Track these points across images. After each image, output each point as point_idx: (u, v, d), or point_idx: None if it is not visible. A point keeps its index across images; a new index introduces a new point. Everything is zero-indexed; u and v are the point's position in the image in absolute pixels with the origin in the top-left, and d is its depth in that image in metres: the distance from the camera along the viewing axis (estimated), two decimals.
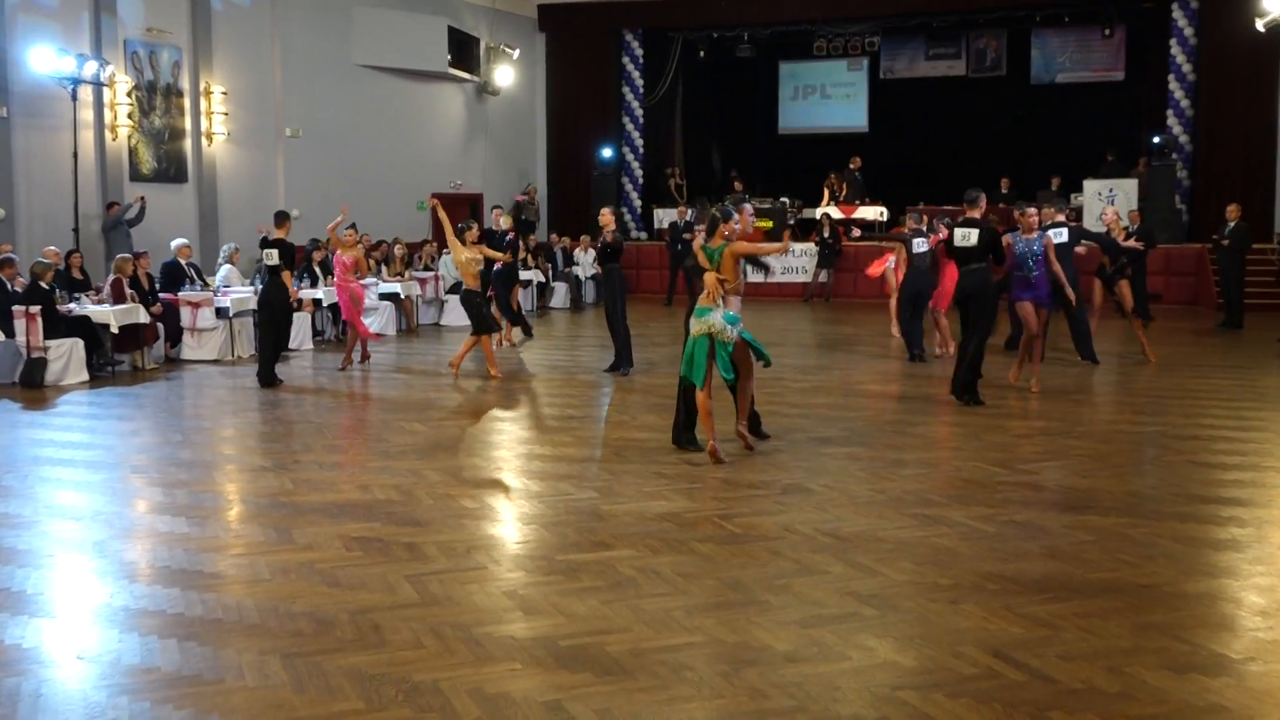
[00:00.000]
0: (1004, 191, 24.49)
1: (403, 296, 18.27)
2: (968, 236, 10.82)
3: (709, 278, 8.51)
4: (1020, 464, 8.47)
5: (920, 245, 14.04)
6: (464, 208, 24.93)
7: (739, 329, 8.48)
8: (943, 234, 14.35)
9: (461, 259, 13.09)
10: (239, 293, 15.14)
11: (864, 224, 24.52)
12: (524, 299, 21.21)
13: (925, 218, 14.92)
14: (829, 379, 12.83)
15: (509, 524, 7.09)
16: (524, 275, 21.24)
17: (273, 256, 12.63)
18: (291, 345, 15.60)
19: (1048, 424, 10.04)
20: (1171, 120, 23.42)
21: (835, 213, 24.36)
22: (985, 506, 7.26)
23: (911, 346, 14.12)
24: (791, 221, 24.03)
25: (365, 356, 14.32)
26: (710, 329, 8.43)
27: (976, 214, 10.97)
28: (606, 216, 13.27)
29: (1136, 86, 25.98)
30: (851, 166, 25.28)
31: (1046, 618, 5.29)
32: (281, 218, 12.80)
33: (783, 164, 29.57)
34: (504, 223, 17.13)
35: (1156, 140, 22.87)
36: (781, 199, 24.93)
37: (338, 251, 14.15)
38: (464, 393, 12.23)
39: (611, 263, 13.25)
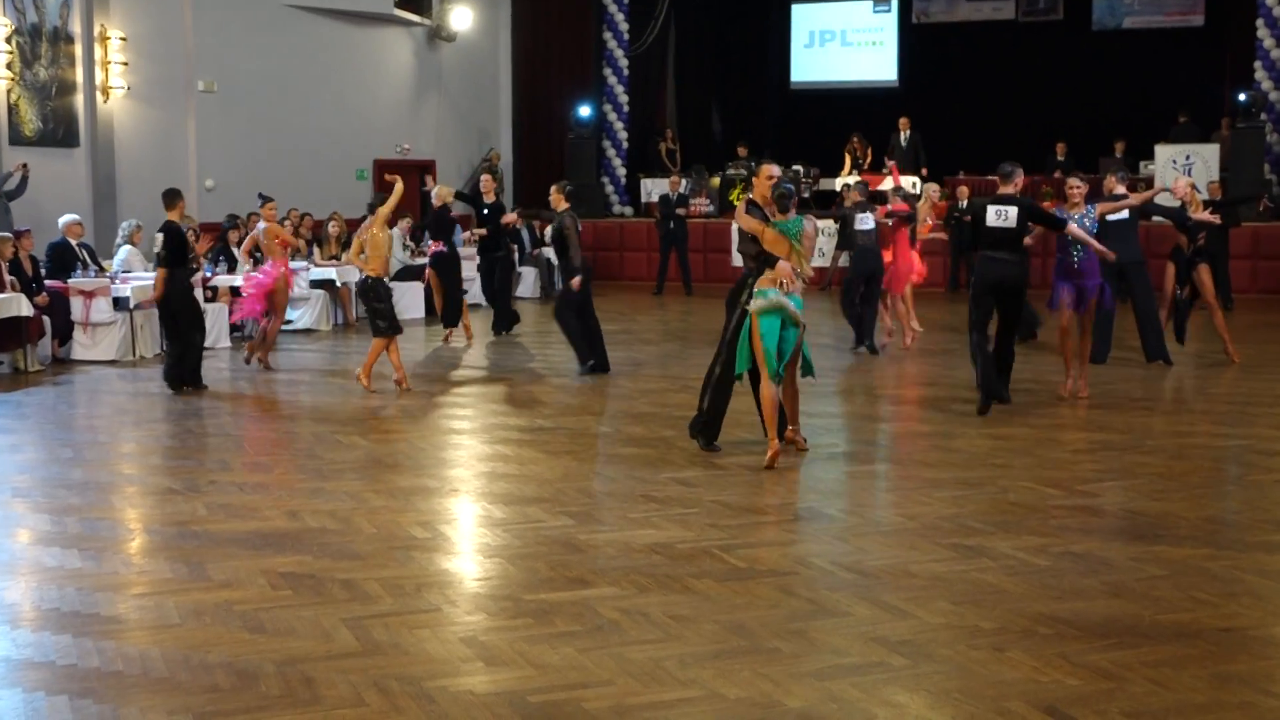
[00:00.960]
0: (1060, 158, 24.59)
1: (338, 284, 18.26)
2: (1004, 215, 10.87)
3: (784, 261, 8.98)
4: (1078, 484, 8.51)
5: (866, 221, 14.60)
6: (412, 176, 24.98)
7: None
8: (895, 207, 15.01)
9: (379, 237, 12.67)
10: (141, 279, 15.09)
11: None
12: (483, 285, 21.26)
13: (870, 187, 16.06)
14: (849, 381, 12.88)
15: (467, 557, 7.11)
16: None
17: (157, 243, 12.64)
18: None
19: (1110, 437, 10.10)
20: (1260, 74, 23.53)
21: (855, 180, 24.39)
22: (1036, 535, 7.30)
23: (861, 337, 14.81)
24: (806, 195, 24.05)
25: (264, 357, 14.25)
26: (782, 307, 8.88)
27: (1012, 189, 11.06)
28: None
29: (1219, 34, 26.08)
30: (900, 128, 25.06)
31: (1109, 668, 5.33)
32: (172, 197, 12.64)
33: (796, 125, 29.63)
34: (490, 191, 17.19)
35: (1242, 98, 22.95)
36: (794, 166, 24.98)
37: (268, 230, 14.15)
38: (411, 398, 12.25)
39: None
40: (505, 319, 17.18)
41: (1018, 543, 7.13)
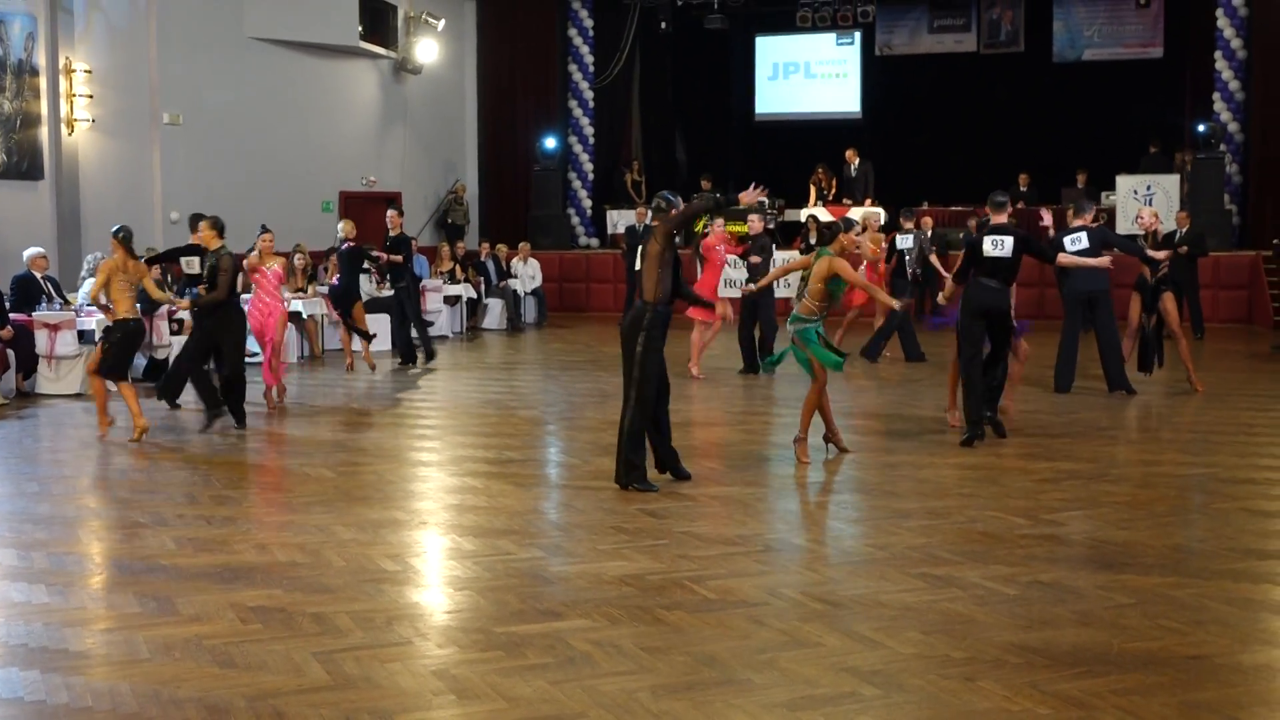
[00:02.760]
0: (1023, 189, 24.82)
1: (305, 316, 18.24)
2: (1000, 245, 11.14)
3: (818, 287, 10.12)
4: (1045, 514, 8.56)
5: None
6: (379, 208, 24.97)
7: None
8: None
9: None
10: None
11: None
12: (450, 319, 21.29)
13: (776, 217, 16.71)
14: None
15: (437, 590, 7.09)
16: (450, 290, 21.34)
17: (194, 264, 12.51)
18: None
19: (1076, 466, 10.16)
20: (1219, 105, 23.86)
21: (823, 214, 24.54)
22: (1005, 565, 7.33)
23: (748, 360, 15.88)
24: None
25: (278, 397, 14.08)
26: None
27: (1003, 219, 11.35)
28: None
29: (1177, 65, 26.41)
30: (848, 160, 25.38)
31: (1079, 696, 5.36)
32: (212, 223, 12.52)
33: (761, 156, 29.81)
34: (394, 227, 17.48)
35: (1201, 129, 23.23)
36: (760, 199, 25.08)
37: (263, 264, 14.02)
38: (379, 431, 12.22)
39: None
40: (409, 351, 17.50)
41: (986, 572, 7.17)
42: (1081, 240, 13.03)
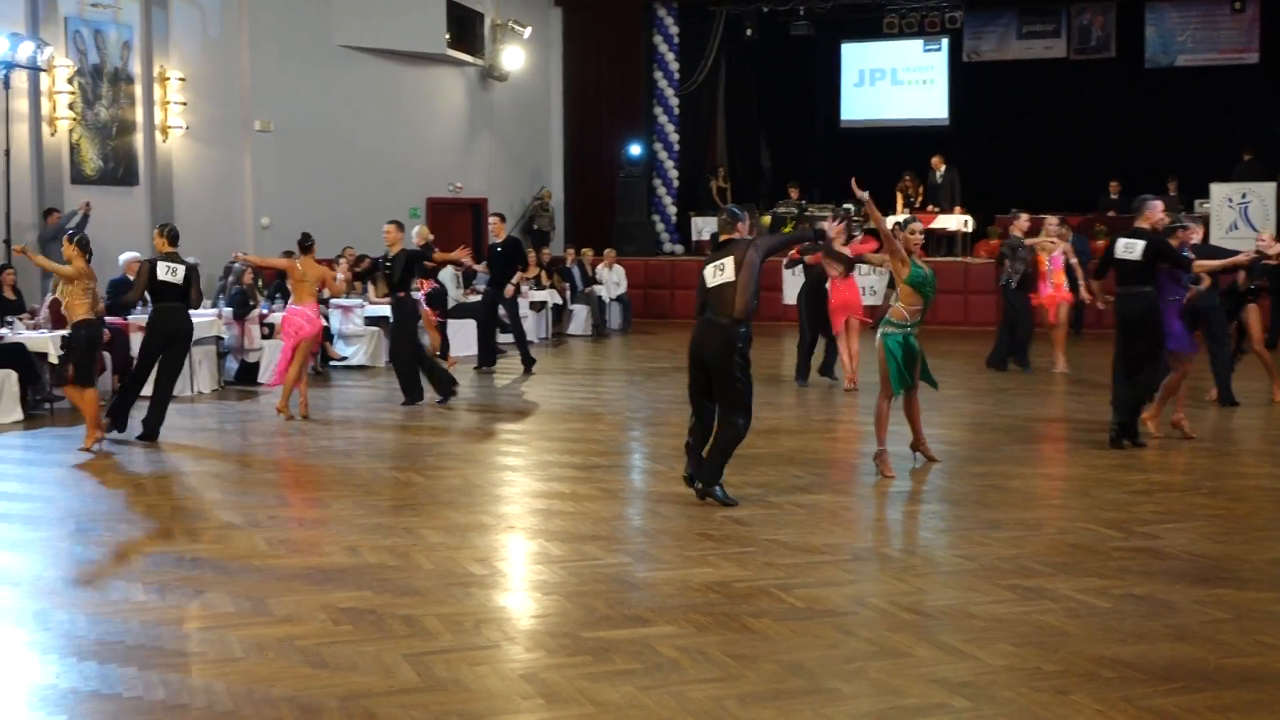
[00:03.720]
0: (1113, 197, 24.50)
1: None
2: (1131, 248, 11.05)
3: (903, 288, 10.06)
4: (1139, 526, 8.45)
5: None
6: (464, 214, 25.16)
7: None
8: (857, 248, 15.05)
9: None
10: (201, 316, 15.24)
11: (942, 235, 24.53)
12: (536, 325, 21.38)
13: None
14: (899, 421, 12.81)
15: (524, 594, 7.13)
16: (536, 296, 21.43)
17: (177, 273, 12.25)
18: (262, 379, 15.79)
19: (1170, 478, 10.03)
20: None
21: (904, 218, 24.38)
22: (1098, 577, 7.25)
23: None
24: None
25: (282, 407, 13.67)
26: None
27: (1145, 224, 11.23)
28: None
29: (1273, 71, 25.96)
30: (934, 167, 25.19)
31: (1175, 712, 5.29)
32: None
33: (846, 163, 29.55)
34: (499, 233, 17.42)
35: None
36: (845, 205, 24.96)
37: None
38: (465, 435, 12.30)
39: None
40: (489, 356, 17.58)
41: (1079, 584, 7.09)
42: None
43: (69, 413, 13.62)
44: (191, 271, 12.38)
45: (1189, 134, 25.75)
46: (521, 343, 17.66)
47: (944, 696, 5.45)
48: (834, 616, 6.54)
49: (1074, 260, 16.57)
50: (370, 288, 19.01)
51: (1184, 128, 26.01)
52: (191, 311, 12.57)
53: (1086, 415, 12.76)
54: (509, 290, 17.11)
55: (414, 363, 14.21)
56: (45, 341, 13.35)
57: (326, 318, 16.85)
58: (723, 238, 9.17)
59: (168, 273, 12.10)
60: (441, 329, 16.81)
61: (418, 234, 16.96)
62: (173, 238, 12.39)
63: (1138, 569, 7.43)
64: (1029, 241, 16.71)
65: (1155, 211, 11.29)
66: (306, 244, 13.74)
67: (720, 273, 8.91)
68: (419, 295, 16.24)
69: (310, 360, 14.01)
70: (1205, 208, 22.58)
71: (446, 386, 14.18)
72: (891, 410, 10.16)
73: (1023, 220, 17.23)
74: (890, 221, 23.25)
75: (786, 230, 23.27)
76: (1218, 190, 22.47)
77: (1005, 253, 16.92)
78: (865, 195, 10.67)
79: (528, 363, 17.30)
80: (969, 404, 14.08)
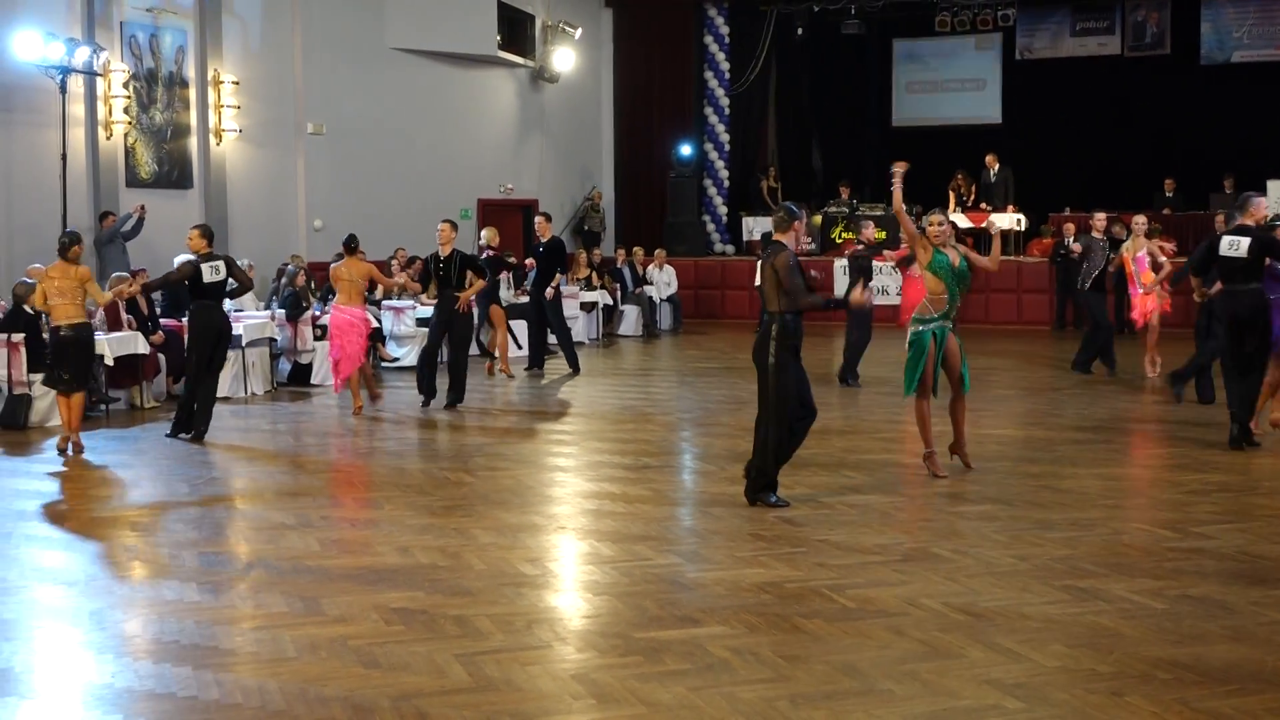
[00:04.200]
0: (1168, 195, 24.28)
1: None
2: (1236, 245, 10.96)
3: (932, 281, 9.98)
4: (1194, 526, 8.37)
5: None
6: (515, 215, 25.21)
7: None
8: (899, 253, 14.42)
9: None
10: (253, 318, 15.40)
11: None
12: (586, 325, 21.40)
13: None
14: (946, 422, 12.74)
15: (575, 594, 7.14)
16: (586, 297, 21.45)
17: (219, 270, 12.45)
18: (314, 380, 15.92)
19: (1225, 478, 9.91)
20: None
21: (962, 220, 24.25)
22: (1152, 578, 7.18)
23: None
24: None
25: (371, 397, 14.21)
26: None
27: (1250, 221, 11.09)
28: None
29: None
30: (988, 165, 25.02)
31: (1231, 714, 5.23)
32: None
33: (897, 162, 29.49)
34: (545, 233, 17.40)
35: None
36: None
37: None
38: (517, 436, 12.34)
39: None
40: (539, 357, 17.53)
41: (1133, 585, 7.03)
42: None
43: (124, 414, 13.78)
44: (228, 262, 12.57)
45: (1245, 130, 25.46)
46: (567, 344, 17.44)
47: (997, 698, 5.42)
48: (886, 617, 6.51)
49: (1164, 259, 15.36)
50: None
51: (1240, 124, 25.73)
52: (249, 311, 12.73)
53: (1140, 415, 12.64)
54: (549, 292, 17.02)
55: (465, 364, 14.25)
56: (101, 344, 13.46)
57: (378, 319, 16.97)
58: (775, 236, 9.11)
59: (212, 273, 12.28)
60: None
61: (486, 237, 16.97)
62: (210, 236, 12.61)
63: (1193, 570, 7.35)
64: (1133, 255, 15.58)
65: (1260, 208, 11.18)
66: (352, 245, 13.88)
67: (760, 275, 9.34)
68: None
69: (364, 359, 14.13)
70: None
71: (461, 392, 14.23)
72: (934, 410, 10.11)
73: (1099, 219, 16.50)
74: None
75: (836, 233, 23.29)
76: (1274, 187, 22.16)
77: (1082, 250, 16.46)
78: (899, 174, 10.72)
79: (573, 365, 17.19)
80: (1021, 403, 13.99)
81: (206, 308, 12.34)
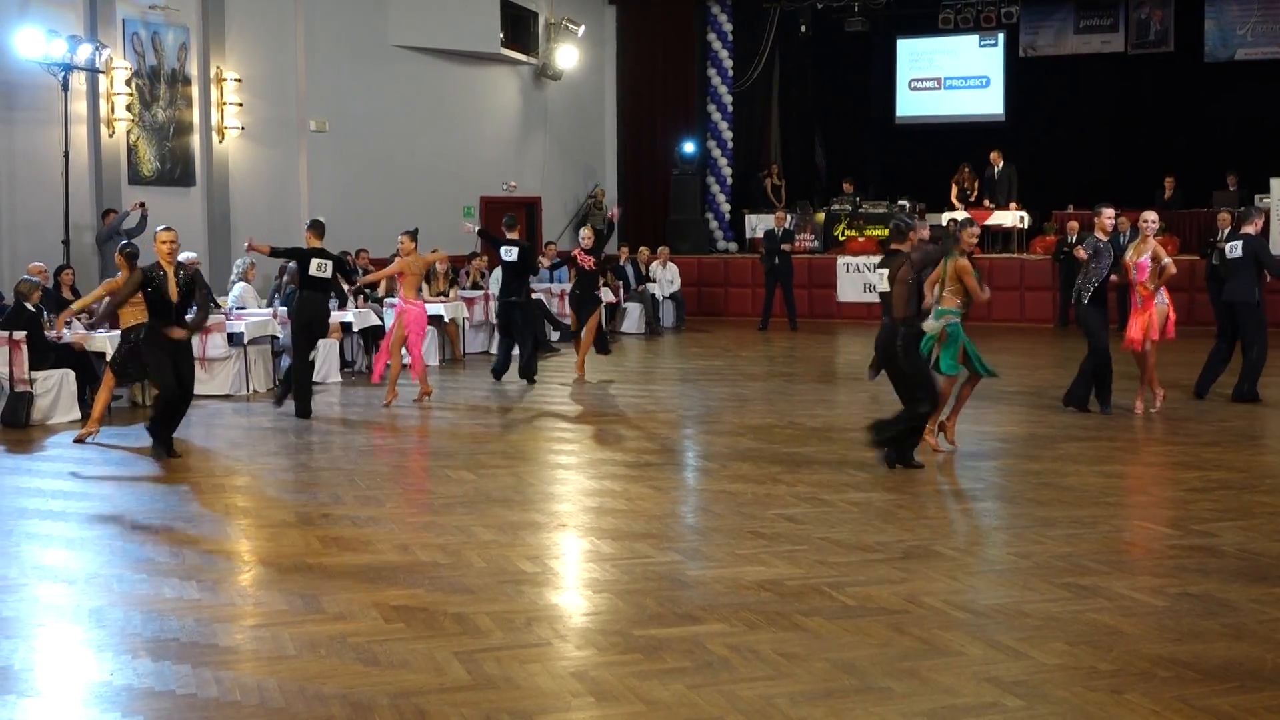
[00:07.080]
0: (1167, 194, 24.23)
1: (446, 320, 18.46)
2: (1235, 248, 13.12)
3: (955, 287, 10.75)
4: (1195, 524, 8.36)
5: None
6: (518, 213, 25.16)
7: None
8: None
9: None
10: (256, 316, 15.40)
11: (997, 231, 24.36)
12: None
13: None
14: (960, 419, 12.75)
15: (576, 592, 7.14)
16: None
17: (326, 269, 13.23)
18: (316, 378, 15.89)
19: (1227, 476, 9.90)
20: None
21: (962, 215, 24.21)
22: (1153, 575, 7.18)
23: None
24: None
25: (425, 391, 14.43)
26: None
27: (1251, 229, 13.10)
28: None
29: None
30: (992, 162, 24.96)
31: (1231, 712, 5.23)
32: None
33: (901, 160, 29.50)
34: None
35: None
36: (900, 201, 24.87)
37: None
38: (518, 433, 12.34)
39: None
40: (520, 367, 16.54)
41: (1133, 583, 7.02)
42: (1238, 249, 13.14)
43: (126, 411, 13.79)
44: (336, 263, 13.52)
45: (1249, 128, 25.46)
46: (533, 352, 16.09)
47: (997, 696, 5.42)
48: (886, 615, 6.51)
49: (1167, 259, 12.43)
50: (424, 286, 18.99)
51: (1244, 122, 25.74)
52: (251, 309, 12.85)
53: (1140, 413, 12.60)
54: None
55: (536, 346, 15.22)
56: (103, 341, 13.49)
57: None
58: (892, 246, 10.11)
59: (318, 268, 13.09)
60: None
61: (584, 237, 16.38)
62: (320, 232, 13.46)
63: (1194, 567, 7.35)
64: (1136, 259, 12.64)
65: (1257, 218, 12.49)
66: (416, 237, 14.47)
67: (883, 281, 10.04)
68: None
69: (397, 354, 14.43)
70: (1265, 202, 22.27)
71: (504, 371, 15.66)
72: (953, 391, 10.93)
73: (1106, 216, 12.78)
74: (946, 218, 23.24)
75: (839, 230, 23.29)
76: (1277, 184, 22.17)
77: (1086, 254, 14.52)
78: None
79: (529, 373, 15.85)
80: (1023, 401, 13.96)
81: (313, 299, 13.27)
